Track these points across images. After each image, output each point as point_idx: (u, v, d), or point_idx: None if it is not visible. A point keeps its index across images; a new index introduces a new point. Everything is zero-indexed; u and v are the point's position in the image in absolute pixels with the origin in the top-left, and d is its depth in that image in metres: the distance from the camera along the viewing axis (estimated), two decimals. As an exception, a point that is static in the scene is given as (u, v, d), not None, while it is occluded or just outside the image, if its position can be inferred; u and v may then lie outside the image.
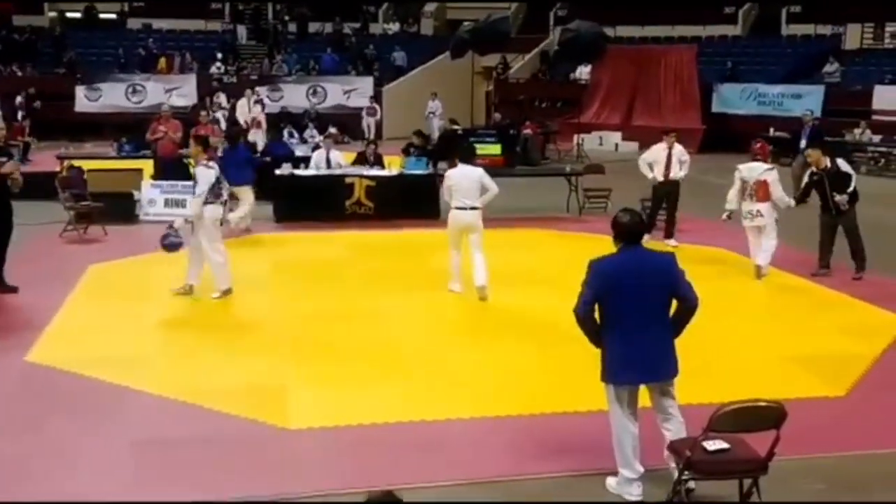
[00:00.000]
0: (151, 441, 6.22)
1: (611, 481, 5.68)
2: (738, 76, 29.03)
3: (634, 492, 5.57)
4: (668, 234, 13.38)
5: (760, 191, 11.29)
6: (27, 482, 5.76)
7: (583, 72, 31.15)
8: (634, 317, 5.42)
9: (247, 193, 13.82)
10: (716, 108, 28.38)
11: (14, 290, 10.35)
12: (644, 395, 5.72)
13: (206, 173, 10.07)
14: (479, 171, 10.60)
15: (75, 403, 7.14)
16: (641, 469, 5.58)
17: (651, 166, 13.46)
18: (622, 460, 5.60)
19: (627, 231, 5.57)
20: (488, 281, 10.28)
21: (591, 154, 24.44)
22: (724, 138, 25.05)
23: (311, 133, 25.52)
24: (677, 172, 13.38)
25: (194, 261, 10.19)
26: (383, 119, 30.03)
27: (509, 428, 6.73)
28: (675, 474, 5.23)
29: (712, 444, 5.06)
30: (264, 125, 22.86)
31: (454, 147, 14.19)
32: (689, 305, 5.55)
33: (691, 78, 28.30)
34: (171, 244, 10.12)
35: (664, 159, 13.34)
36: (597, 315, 5.54)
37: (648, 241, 12.44)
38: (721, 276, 11.64)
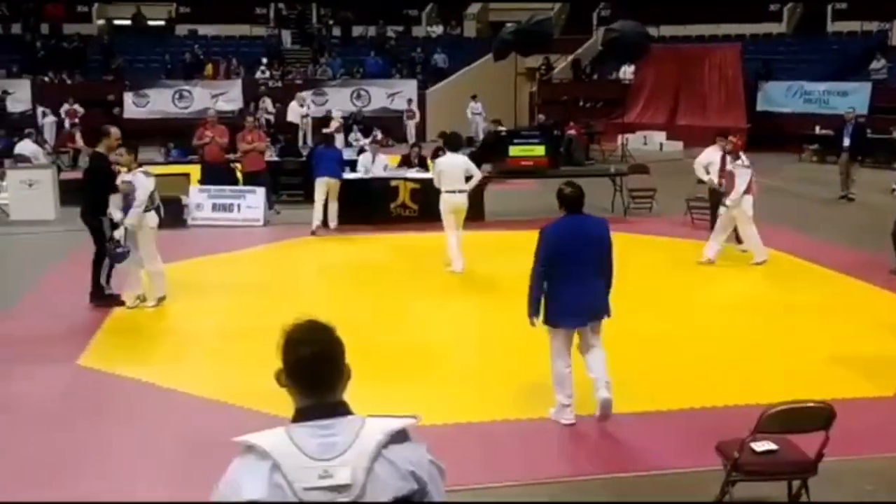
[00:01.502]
0: (199, 442, 6.28)
1: (552, 410, 6.75)
2: (783, 74, 28.71)
3: (568, 416, 6.69)
4: (738, 239, 12.67)
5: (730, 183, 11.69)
6: (75, 479, 5.89)
7: (626, 72, 31.01)
8: (575, 272, 6.53)
9: (335, 187, 14.39)
10: (761, 106, 28.12)
11: (120, 302, 10.21)
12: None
13: (145, 181, 10.02)
14: (464, 158, 12.21)
15: (124, 405, 7.29)
16: (573, 395, 6.68)
17: (707, 169, 13.03)
18: (559, 388, 6.70)
19: (570, 202, 6.64)
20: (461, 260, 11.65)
21: (636, 154, 24.31)
22: (769, 137, 24.80)
23: (356, 136, 25.69)
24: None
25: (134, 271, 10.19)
26: (427, 121, 30.14)
27: (551, 430, 6.72)
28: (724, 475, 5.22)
29: (760, 445, 5.04)
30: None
31: (498, 148, 14.34)
32: (610, 262, 6.77)
33: (736, 76, 28.04)
34: (118, 255, 10.05)
35: (718, 162, 12.81)
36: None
37: (722, 249, 12.56)
38: (768, 276, 11.58)
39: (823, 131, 23.19)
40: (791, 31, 31.99)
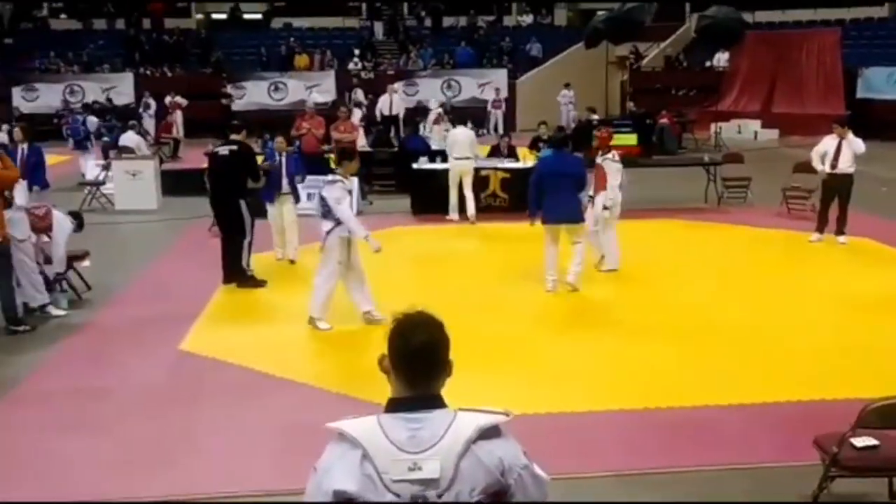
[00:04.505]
0: (296, 426, 6.41)
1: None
2: (884, 60, 27.73)
3: (548, 286, 10.05)
4: (839, 231, 12.45)
5: (598, 179, 10.99)
6: (173, 464, 6.11)
7: (721, 59, 30.44)
8: (554, 188, 9.86)
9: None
10: (861, 93, 27.22)
11: (261, 283, 10.80)
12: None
13: None
14: (471, 132, 15.49)
15: (222, 390, 7.51)
16: (554, 273, 10.10)
17: (823, 159, 12.61)
18: (547, 267, 10.14)
19: (554, 142, 11.22)
20: (475, 210, 14.49)
21: (730, 142, 23.87)
22: (869, 125, 23.98)
23: (447, 127, 25.75)
24: (847, 165, 12.38)
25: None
26: (517, 111, 30.09)
27: (646, 421, 6.71)
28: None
29: (861, 441, 4.95)
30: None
31: (589, 137, 14.32)
32: (582, 183, 10.18)
33: (834, 62, 27.26)
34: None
35: (833, 151, 12.47)
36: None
37: (821, 240, 12.24)
38: (870, 267, 11.30)
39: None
40: (892, 15, 30.88)
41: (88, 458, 6.18)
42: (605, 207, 10.88)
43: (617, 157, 11.19)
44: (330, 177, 9.04)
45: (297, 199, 11.97)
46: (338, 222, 8.79)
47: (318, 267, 9.09)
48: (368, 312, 8.99)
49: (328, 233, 8.86)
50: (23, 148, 12.37)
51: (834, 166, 12.41)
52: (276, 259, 11.86)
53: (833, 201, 12.51)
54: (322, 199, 8.91)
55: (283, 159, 11.87)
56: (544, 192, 9.90)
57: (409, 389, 2.52)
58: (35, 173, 12.27)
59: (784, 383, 7.30)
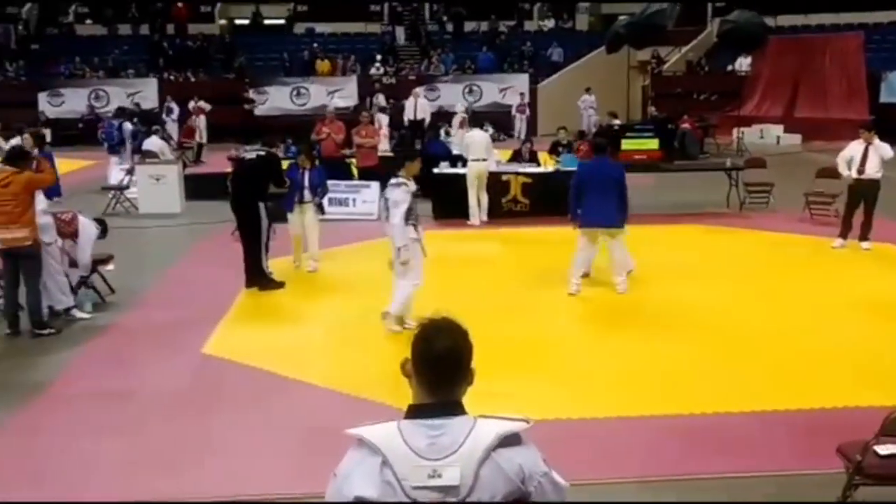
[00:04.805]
0: (317, 430, 6.38)
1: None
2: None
3: (572, 288, 10.26)
4: (863, 237, 12.38)
5: None
6: (193, 467, 6.15)
7: (743, 63, 30.31)
8: (596, 194, 10.02)
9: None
10: (884, 97, 27.03)
11: (280, 285, 10.90)
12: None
13: None
14: (486, 135, 16.03)
15: (244, 394, 7.55)
16: (579, 279, 10.30)
17: (849, 164, 12.51)
18: (574, 269, 10.26)
19: (597, 149, 10.99)
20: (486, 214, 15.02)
21: (752, 147, 23.78)
22: (892, 129, 23.75)
23: (468, 130, 25.78)
24: (874, 171, 12.27)
25: None
26: (538, 116, 30.08)
27: (647, 427, 6.68)
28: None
29: (885, 449, 4.92)
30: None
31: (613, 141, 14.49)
32: (623, 188, 10.16)
33: (858, 67, 27.06)
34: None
35: (860, 156, 12.37)
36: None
37: (844, 245, 12.13)
38: (892, 272, 11.22)
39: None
40: (917, 18, 30.64)
41: (114, 460, 6.23)
42: None
43: None
44: (394, 179, 8.90)
45: (321, 211, 11.92)
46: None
47: (398, 271, 8.97)
48: (387, 314, 8.98)
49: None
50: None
51: (861, 171, 12.31)
52: (295, 267, 11.87)
53: (858, 207, 12.42)
54: (386, 200, 8.88)
55: (307, 173, 11.79)
56: (584, 196, 10.12)
57: (429, 395, 2.52)
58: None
59: (807, 390, 7.26)
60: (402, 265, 8.79)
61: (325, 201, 12.39)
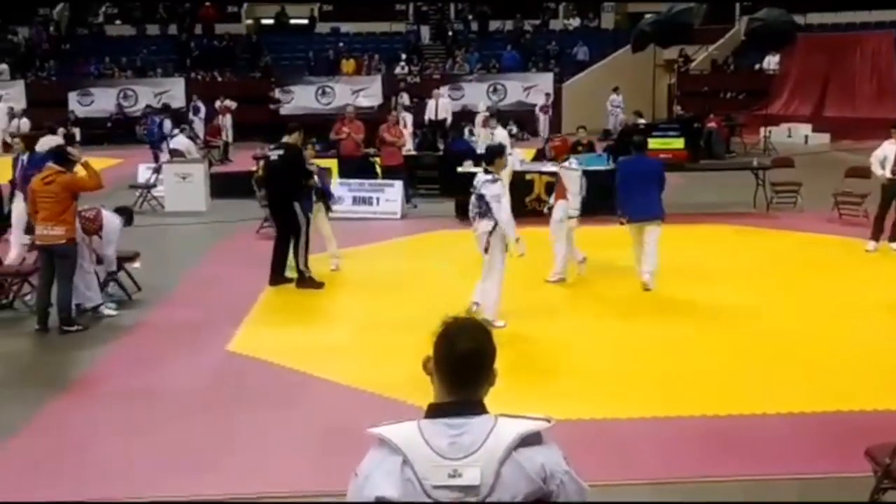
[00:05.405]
0: (339, 428, 6.35)
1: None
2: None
3: (646, 277, 10.32)
4: (893, 237, 12.22)
5: (559, 188, 10.98)
6: (214, 464, 6.17)
7: (771, 61, 30.08)
8: (638, 188, 10.39)
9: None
10: (916, 96, 26.74)
11: (320, 285, 10.87)
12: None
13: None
14: (505, 132, 17.15)
15: (268, 391, 7.57)
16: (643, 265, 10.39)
17: (882, 164, 12.42)
18: (636, 264, 10.52)
19: (636, 146, 11.23)
20: None
21: (780, 147, 23.58)
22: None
23: (493, 129, 25.77)
24: None
25: None
26: (563, 115, 30.00)
27: (670, 428, 6.63)
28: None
29: (914, 452, 4.86)
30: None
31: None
32: (663, 181, 10.64)
33: (889, 65, 26.81)
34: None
35: (893, 155, 12.25)
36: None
37: (878, 249, 12.01)
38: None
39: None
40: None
41: (137, 457, 6.26)
42: (571, 217, 10.77)
43: (574, 164, 11.09)
44: (487, 175, 8.84)
45: (328, 210, 11.78)
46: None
47: (485, 271, 8.96)
48: (477, 305, 8.86)
49: (490, 233, 8.81)
50: (23, 159, 12.41)
51: (894, 171, 12.22)
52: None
53: (890, 207, 12.28)
54: (480, 197, 8.79)
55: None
56: (627, 191, 10.49)
57: (450, 394, 2.51)
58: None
59: (834, 392, 7.18)
60: (486, 264, 8.80)
61: (347, 195, 12.40)
